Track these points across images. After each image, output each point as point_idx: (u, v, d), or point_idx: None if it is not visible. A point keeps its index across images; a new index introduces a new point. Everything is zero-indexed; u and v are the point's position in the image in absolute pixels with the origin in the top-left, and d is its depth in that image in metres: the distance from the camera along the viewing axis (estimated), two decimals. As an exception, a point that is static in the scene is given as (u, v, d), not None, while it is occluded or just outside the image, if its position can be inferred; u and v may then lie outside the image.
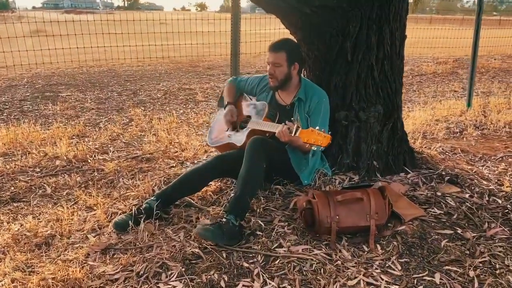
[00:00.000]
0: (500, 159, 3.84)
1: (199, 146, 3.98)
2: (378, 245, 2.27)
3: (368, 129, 2.87)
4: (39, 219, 2.67)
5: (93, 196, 2.90)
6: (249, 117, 2.83)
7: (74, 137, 4.53)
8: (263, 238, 2.32)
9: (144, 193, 2.88)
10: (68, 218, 2.61)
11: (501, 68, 9.70)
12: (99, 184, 3.22)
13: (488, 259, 2.18)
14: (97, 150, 4.02)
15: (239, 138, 2.75)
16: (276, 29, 6.80)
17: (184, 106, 6.32)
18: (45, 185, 3.21)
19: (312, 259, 2.15)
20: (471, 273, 2.06)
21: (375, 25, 2.80)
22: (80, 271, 2.08)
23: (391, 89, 2.93)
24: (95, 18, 8.34)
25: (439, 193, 2.73)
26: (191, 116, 5.65)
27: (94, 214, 2.69)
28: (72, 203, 2.92)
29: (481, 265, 2.13)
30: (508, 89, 7.37)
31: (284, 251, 2.23)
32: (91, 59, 9.62)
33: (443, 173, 3.02)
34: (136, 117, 5.40)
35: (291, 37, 2.97)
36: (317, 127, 2.28)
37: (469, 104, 5.60)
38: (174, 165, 3.48)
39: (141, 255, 2.22)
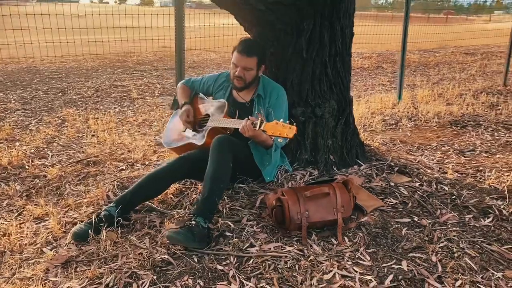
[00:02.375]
0: (435, 148, 4.12)
1: (147, 146, 3.83)
2: (345, 238, 2.33)
3: (324, 125, 2.93)
4: (-19, 234, 2.43)
5: (41, 205, 2.69)
6: (207, 115, 2.77)
7: (2, 141, 4.16)
8: (234, 239, 2.29)
9: (98, 199, 2.71)
10: (16, 232, 2.39)
11: (420, 62, 10.38)
12: (43, 192, 2.99)
13: (446, 243, 2.32)
14: (33, 155, 3.73)
15: (199, 137, 2.68)
16: (201, 25, 6.73)
17: (119, 104, 6.05)
18: (-20, 196, 2.93)
19: (285, 256, 2.16)
20: (434, 258, 2.19)
21: (327, 22, 2.86)
22: (42, 288, 1.92)
23: (343, 85, 3.01)
24: (3, 12, 7.68)
25: (392, 184, 2.87)
26: (129, 114, 5.44)
27: (45, 225, 2.49)
28: (16, 214, 2.69)
29: (440, 250, 2.26)
30: (430, 81, 7.91)
31: (257, 250, 2.22)
32: (8, 56, 8.90)
33: (392, 164, 3.17)
34: (70, 118, 5.08)
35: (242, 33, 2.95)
36: (281, 120, 2.29)
37: (400, 97, 5.93)
38: (124, 167, 3.32)
39: (107, 266, 2.10)
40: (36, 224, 2.53)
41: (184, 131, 2.80)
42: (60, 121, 5.01)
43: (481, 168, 3.37)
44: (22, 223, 2.55)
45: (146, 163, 3.38)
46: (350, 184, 2.41)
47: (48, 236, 2.36)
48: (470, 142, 4.30)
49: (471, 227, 2.50)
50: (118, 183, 2.92)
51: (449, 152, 3.95)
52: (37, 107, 5.74)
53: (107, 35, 6.66)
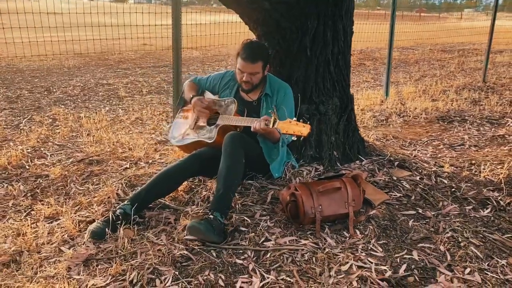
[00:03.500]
0: (426, 143, 4.26)
1: (147, 144, 3.84)
2: (357, 230, 2.42)
3: (327, 121, 3.01)
4: (-7, 235, 2.41)
5: (50, 204, 2.68)
6: (217, 113, 2.81)
7: (-5, 141, 4.10)
8: (250, 234, 2.34)
9: (108, 197, 2.72)
10: (31, 232, 2.39)
11: (400, 60, 10.61)
12: (48, 191, 2.97)
13: (451, 234, 2.43)
14: (30, 155, 3.69)
15: (209, 135, 2.72)
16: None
17: (108, 103, 6.01)
18: (-17, 197, 2.89)
19: (302, 249, 2.22)
20: (442, 248, 2.30)
21: (330, 21, 2.93)
22: (68, 286, 1.93)
23: (344, 82, 3.10)
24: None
25: (394, 178, 2.97)
26: (120, 113, 5.40)
27: (59, 224, 2.49)
28: (24, 214, 2.67)
29: (447, 240, 2.37)
30: (412, 78, 8.12)
31: (273, 244, 2.28)
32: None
33: (392, 158, 3.28)
34: (60, 117, 5.02)
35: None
36: (294, 118, 2.35)
37: (387, 94, 6.07)
38: (128, 166, 3.32)
39: (127, 263, 2.12)
40: (49, 223, 2.52)
41: (193, 128, 2.83)
42: (51, 120, 4.95)
43: (473, 161, 3.51)
44: (34, 222, 2.54)
45: (150, 161, 3.39)
46: (359, 178, 2.50)
47: (64, 235, 2.36)
48: (458, 136, 4.46)
49: (472, 217, 2.62)
50: (126, 181, 2.94)
51: (440, 147, 4.10)
52: (24, 106, 5.65)
53: (85, 32, 6.56)
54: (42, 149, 3.89)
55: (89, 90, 6.73)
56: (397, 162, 3.21)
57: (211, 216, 2.29)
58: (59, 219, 2.55)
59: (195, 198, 2.70)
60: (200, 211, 2.52)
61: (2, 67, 8.67)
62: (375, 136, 4.28)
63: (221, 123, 2.69)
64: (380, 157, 3.31)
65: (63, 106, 5.64)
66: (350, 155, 3.14)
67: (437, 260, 2.20)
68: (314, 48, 2.94)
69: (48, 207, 2.66)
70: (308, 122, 2.34)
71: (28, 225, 2.47)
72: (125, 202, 2.45)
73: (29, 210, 2.73)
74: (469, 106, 5.72)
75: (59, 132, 4.40)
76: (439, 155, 3.79)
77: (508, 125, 4.82)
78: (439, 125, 4.95)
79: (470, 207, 2.74)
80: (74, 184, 3.05)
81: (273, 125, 2.38)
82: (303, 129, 2.31)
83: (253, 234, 2.34)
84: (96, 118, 4.93)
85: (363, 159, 3.20)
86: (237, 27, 5.44)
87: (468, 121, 5.01)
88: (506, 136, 4.42)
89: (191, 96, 2.86)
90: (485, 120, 5.04)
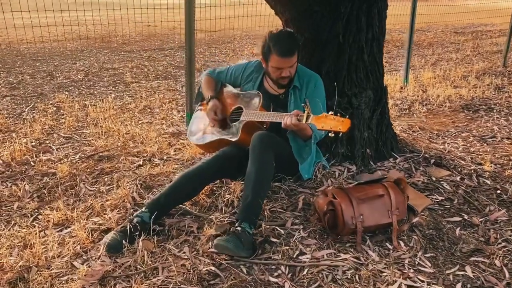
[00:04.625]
0: (454, 134, 3.99)
1: (159, 138, 3.57)
2: (401, 242, 2.18)
3: (360, 116, 2.75)
4: (-3, 246, 2.18)
5: (59, 209, 2.44)
6: (239, 108, 2.54)
7: (-3, 132, 3.85)
8: (282, 246, 2.10)
9: (123, 201, 2.48)
10: (39, 242, 2.15)
11: (413, 43, 10.23)
12: (56, 192, 2.73)
13: (504, 244, 2.19)
14: (35, 149, 3.44)
15: (232, 132, 2.46)
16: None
17: (114, 89, 5.72)
18: (-15, 198, 2.65)
19: (342, 266, 1.99)
20: (497, 263, 2.06)
21: (365, 4, 2.64)
22: (84, 313, 1.70)
23: (379, 72, 2.83)
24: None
25: (433, 178, 2.72)
26: (127, 100, 5.13)
27: (69, 233, 2.25)
28: (31, 219, 2.44)
29: (501, 252, 2.13)
30: (428, 62, 7.79)
31: (309, 259, 2.04)
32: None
33: (427, 155, 3.02)
34: (65, 105, 4.75)
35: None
36: (331, 112, 2.09)
37: (406, 80, 5.78)
38: (141, 163, 3.07)
39: (148, 282, 1.89)
40: (58, 231, 2.28)
41: (214, 125, 2.57)
42: (55, 108, 4.68)
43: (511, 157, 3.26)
44: (42, 230, 2.30)
45: (164, 157, 3.14)
46: (402, 183, 2.25)
47: (76, 246, 2.12)
48: (487, 127, 4.19)
49: (523, 225, 2.38)
50: (141, 182, 2.69)
51: (470, 139, 3.83)
52: (26, 93, 5.37)
53: (83, 13, 6.20)
54: (47, 142, 3.63)
55: (94, 75, 6.44)
56: (433, 160, 2.95)
57: (239, 228, 2.05)
58: (70, 227, 2.31)
59: (218, 202, 2.45)
60: (226, 219, 2.27)
61: (2, 49, 8.36)
62: (400, 128, 4.00)
63: (245, 119, 2.42)
64: (414, 154, 3.05)
65: (66, 93, 5.36)
66: (383, 152, 2.89)
67: (494, 278, 1.96)
68: (347, 34, 2.65)
69: (56, 212, 2.42)
70: (347, 116, 2.08)
71: (36, 233, 2.23)
72: (143, 209, 2.20)
73: (36, 214, 2.49)
74: (493, 93, 5.43)
75: (64, 123, 4.14)
76: (472, 150, 3.52)
77: (539, 114, 4.55)
78: (465, 114, 4.67)
79: (519, 212, 2.49)
80: (83, 183, 2.81)
81: (306, 120, 2.12)
82: (342, 124, 2.05)
83: (286, 246, 2.10)
84: (103, 106, 4.66)
85: (397, 156, 2.95)
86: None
87: (495, 110, 4.74)
88: (540, 127, 4.15)
89: (209, 97, 2.59)
90: (512, 109, 4.77)
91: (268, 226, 2.21)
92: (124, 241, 2.06)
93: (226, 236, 2.02)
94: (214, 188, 2.57)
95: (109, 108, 4.60)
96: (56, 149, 3.44)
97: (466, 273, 1.99)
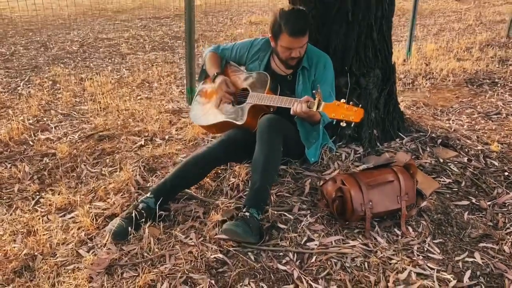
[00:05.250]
0: (459, 111, 3.94)
1: (160, 115, 3.50)
2: (409, 227, 2.15)
3: (367, 96, 2.68)
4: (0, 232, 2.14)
5: (61, 192, 2.40)
6: (245, 90, 2.46)
7: (-8, 109, 3.76)
8: (290, 233, 2.08)
9: (126, 185, 2.43)
10: (42, 228, 2.11)
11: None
12: (56, 174, 2.68)
13: (512, 229, 2.18)
14: (33, 127, 3.36)
15: (238, 115, 2.39)
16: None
17: (111, 61, 5.59)
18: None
19: (351, 252, 1.97)
20: (506, 249, 2.05)
21: (375, -20, 2.53)
22: (92, 304, 1.69)
23: (387, 51, 2.74)
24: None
25: (441, 160, 2.68)
26: (124, 74, 5.01)
27: (73, 218, 2.21)
28: (33, 203, 2.39)
29: (509, 237, 2.12)
30: (429, 33, 7.64)
31: (316, 245, 2.02)
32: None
33: (434, 135, 2.98)
34: (61, 78, 4.64)
35: None
36: (343, 100, 2.02)
37: (409, 52, 5.67)
38: (143, 143, 3.01)
39: (156, 270, 1.87)
40: (61, 216, 2.24)
41: (218, 106, 2.50)
42: (50, 82, 4.57)
43: (518, 136, 3.22)
44: (45, 215, 2.26)
45: (166, 137, 3.07)
46: (412, 168, 2.21)
47: (80, 233, 2.09)
48: (491, 103, 4.13)
49: (531, 208, 2.36)
50: (144, 164, 2.64)
51: (475, 116, 3.79)
52: (20, 65, 5.24)
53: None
54: (44, 119, 3.55)
55: (89, 46, 6.28)
56: (440, 140, 2.91)
57: (247, 214, 2.02)
58: (73, 211, 2.27)
59: (223, 186, 2.41)
60: (232, 204, 2.23)
61: (-8, 18, 8.13)
62: (404, 104, 3.95)
63: (252, 102, 2.35)
64: (421, 133, 3.00)
65: (62, 65, 5.24)
66: (390, 133, 2.83)
67: (503, 265, 1.95)
68: (356, 12, 2.55)
69: (58, 195, 2.37)
70: (360, 105, 2.01)
71: (39, 218, 2.20)
72: (148, 195, 2.16)
73: (38, 197, 2.45)
74: (498, 66, 5.34)
75: (61, 98, 4.05)
76: (477, 127, 3.48)
77: (543, 89, 4.48)
78: (469, 89, 4.60)
79: (527, 194, 2.47)
80: (84, 165, 2.75)
81: (317, 108, 2.06)
82: (355, 113, 1.98)
83: (293, 233, 2.07)
84: (100, 80, 4.56)
85: (404, 136, 2.90)
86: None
87: (499, 84, 4.66)
88: (544, 103, 4.09)
89: (215, 73, 2.50)
90: (517, 84, 4.70)
91: (275, 212, 2.18)
92: (130, 228, 2.02)
93: (235, 221, 1.99)
94: (219, 171, 2.52)
95: (106, 82, 4.50)
96: (55, 127, 3.36)
97: (475, 260, 1.98)
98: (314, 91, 2.10)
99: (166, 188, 2.17)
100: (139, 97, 4.14)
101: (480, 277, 1.89)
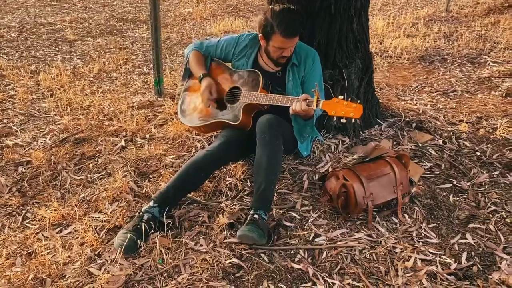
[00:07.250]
0: (418, 89, 4.15)
1: (132, 111, 3.37)
2: (405, 215, 2.28)
3: (349, 87, 2.75)
4: (-5, 255, 2.01)
5: (51, 205, 2.28)
6: (236, 88, 2.44)
7: None
8: (298, 231, 2.13)
9: (120, 192, 2.36)
10: (42, 248, 2.01)
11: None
12: (37, 184, 2.54)
13: (493, 208, 2.37)
14: (-6, 131, 3.13)
15: (232, 115, 2.37)
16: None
17: (58, 50, 5.27)
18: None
19: (358, 245, 2.07)
20: (492, 228, 2.24)
21: (354, -28, 2.56)
22: (120, 327, 1.66)
23: (366, 41, 2.81)
24: None
25: (420, 144, 2.83)
26: (77, 63, 4.75)
27: (72, 234, 2.12)
28: (20, 219, 2.26)
29: (490, 215, 2.31)
30: (375, 8, 7.86)
31: (324, 240, 2.09)
32: None
33: (408, 119, 3.13)
34: (9, 72, 4.31)
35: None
36: (341, 97, 2.07)
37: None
38: (124, 143, 2.90)
39: (174, 281, 1.86)
40: (58, 232, 2.15)
41: (209, 106, 2.46)
42: (-1, 77, 4.24)
43: (478, 114, 3.44)
44: (39, 232, 2.15)
45: (147, 136, 2.98)
46: (404, 158, 2.32)
47: (85, 249, 2.02)
48: (445, 80, 4.38)
49: (503, 185, 2.57)
50: (133, 168, 2.56)
51: (434, 94, 4.00)
52: (-44, 57, 4.79)
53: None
54: (4, 121, 3.31)
55: (30, 33, 5.86)
56: (414, 124, 3.06)
57: (256, 216, 2.04)
58: (69, 226, 2.18)
59: (221, 186, 2.40)
60: (235, 207, 2.24)
61: None
62: (369, 85, 4.08)
63: (246, 101, 2.34)
64: (396, 118, 3.14)
65: (5, 57, 4.86)
66: (370, 120, 2.94)
67: (492, 243, 2.13)
68: (338, 4, 2.58)
69: (47, 209, 2.26)
70: (358, 101, 2.07)
71: (34, 236, 2.09)
72: (151, 204, 2.11)
73: (24, 212, 2.32)
74: (444, 42, 5.64)
75: (15, 95, 3.78)
76: (439, 106, 3.69)
77: (488, 64, 4.80)
78: (422, 66, 4.84)
79: (497, 172, 2.68)
80: (66, 172, 2.63)
81: (317, 106, 2.10)
82: (355, 109, 2.04)
83: (301, 230, 2.13)
84: (53, 71, 4.29)
85: (381, 122, 3.02)
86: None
87: (448, 61, 4.94)
88: (492, 78, 4.39)
89: (201, 75, 2.45)
90: (464, 59, 4.98)
91: (279, 210, 2.22)
92: (139, 241, 1.98)
93: (246, 226, 2.01)
94: (214, 172, 2.50)
95: (59, 73, 4.24)
96: (20, 130, 3.15)
97: (468, 241, 2.15)
98: (313, 90, 2.13)
99: (169, 196, 2.14)
100: (100, 90, 3.95)
101: (475, 257, 2.06)
